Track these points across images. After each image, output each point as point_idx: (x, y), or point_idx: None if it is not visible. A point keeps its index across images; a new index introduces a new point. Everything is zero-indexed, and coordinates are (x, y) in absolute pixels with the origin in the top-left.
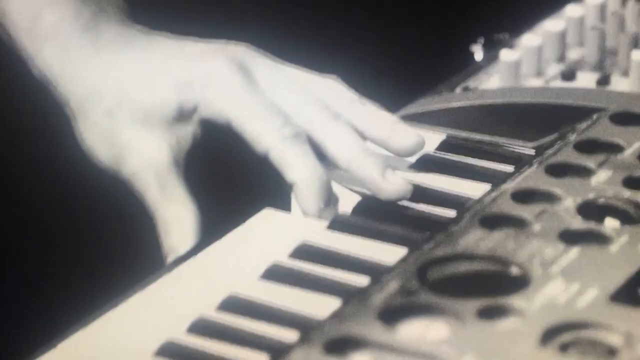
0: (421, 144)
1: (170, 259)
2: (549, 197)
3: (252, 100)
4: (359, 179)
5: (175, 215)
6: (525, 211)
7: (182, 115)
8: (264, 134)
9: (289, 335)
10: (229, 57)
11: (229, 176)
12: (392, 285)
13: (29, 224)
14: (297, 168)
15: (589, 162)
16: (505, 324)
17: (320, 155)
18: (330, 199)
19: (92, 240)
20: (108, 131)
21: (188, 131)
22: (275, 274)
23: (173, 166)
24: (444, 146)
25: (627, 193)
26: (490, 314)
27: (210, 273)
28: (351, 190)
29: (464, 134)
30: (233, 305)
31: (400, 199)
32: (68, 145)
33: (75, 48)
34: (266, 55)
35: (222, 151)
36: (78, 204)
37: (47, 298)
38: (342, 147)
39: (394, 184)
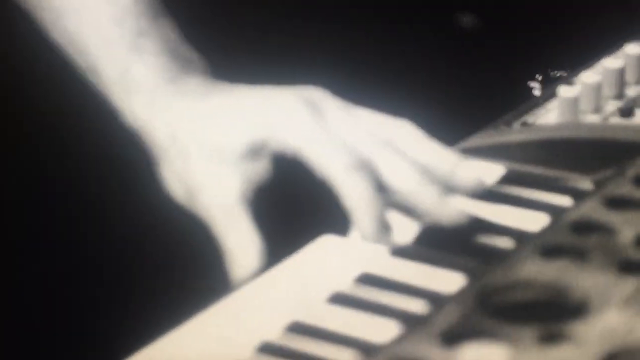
0: (482, 183)
1: (236, 285)
2: (608, 229)
3: (319, 133)
4: (416, 204)
5: (240, 246)
6: (584, 242)
7: (253, 151)
8: (327, 163)
9: (352, 358)
10: (301, 96)
11: (293, 207)
12: (453, 311)
13: (116, 259)
14: (355, 194)
15: None
16: (563, 350)
17: (379, 186)
18: (386, 226)
19: (167, 270)
20: (181, 170)
21: (259, 167)
22: (340, 298)
23: (241, 201)
24: (504, 179)
25: None
26: (549, 340)
27: (274, 297)
28: (410, 218)
29: (523, 168)
30: (299, 328)
31: (458, 225)
32: (155, 188)
33: (161, 97)
34: (339, 99)
35: (286, 182)
36: (159, 239)
37: (118, 324)
38: (401, 176)
39: (451, 210)
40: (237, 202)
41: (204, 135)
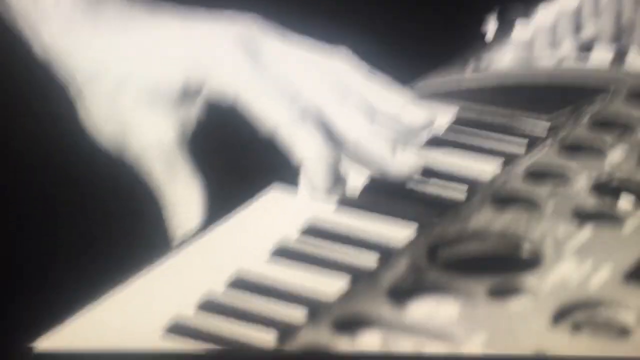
0: (432, 120)
1: (178, 238)
2: (562, 176)
3: (258, 80)
4: (367, 155)
5: (181, 194)
6: (537, 190)
7: (187, 96)
8: (271, 114)
9: (297, 314)
10: (235, 36)
11: (235, 156)
12: (402, 265)
13: (33, 208)
14: (305, 146)
15: (604, 140)
16: (516, 303)
17: (328, 136)
18: (338, 178)
19: (99, 221)
20: (112, 112)
21: (192, 112)
22: (284, 252)
23: (178, 146)
24: (456, 124)
25: None
26: (501, 293)
27: (219, 252)
28: (360, 168)
29: (476, 112)
30: (241, 283)
31: (409, 176)
32: (71, 126)
33: (77, 27)
34: (273, 28)
35: (228, 131)
36: (83, 185)
37: (55, 280)
38: (350, 124)
39: (402, 160)
40: (175, 148)
41: (132, 73)
